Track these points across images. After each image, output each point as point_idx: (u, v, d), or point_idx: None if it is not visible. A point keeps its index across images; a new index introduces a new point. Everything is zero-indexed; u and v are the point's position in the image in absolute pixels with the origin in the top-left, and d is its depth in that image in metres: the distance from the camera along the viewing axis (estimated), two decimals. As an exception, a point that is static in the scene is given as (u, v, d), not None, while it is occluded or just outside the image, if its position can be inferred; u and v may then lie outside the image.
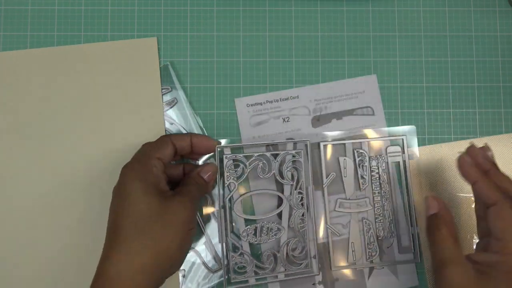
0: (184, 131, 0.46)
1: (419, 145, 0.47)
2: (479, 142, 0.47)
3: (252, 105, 0.47)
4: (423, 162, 0.46)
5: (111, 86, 0.46)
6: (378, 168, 0.46)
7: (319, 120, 0.47)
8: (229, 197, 0.44)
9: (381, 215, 0.45)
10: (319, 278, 0.45)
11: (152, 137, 0.42)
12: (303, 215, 0.44)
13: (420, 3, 0.48)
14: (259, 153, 0.44)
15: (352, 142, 0.46)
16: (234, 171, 0.44)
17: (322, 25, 0.48)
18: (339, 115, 0.47)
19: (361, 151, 0.46)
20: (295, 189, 0.44)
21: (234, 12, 0.48)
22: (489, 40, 0.48)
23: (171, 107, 0.46)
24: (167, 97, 0.46)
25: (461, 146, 0.46)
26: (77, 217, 0.44)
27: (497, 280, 0.35)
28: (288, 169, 0.44)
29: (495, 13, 0.48)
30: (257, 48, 0.47)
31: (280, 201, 0.45)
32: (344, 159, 0.46)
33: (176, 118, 0.46)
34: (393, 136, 0.46)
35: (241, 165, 0.44)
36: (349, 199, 0.45)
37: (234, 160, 0.44)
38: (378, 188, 0.46)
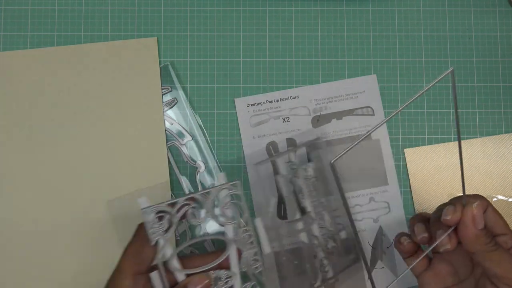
0: (184, 131, 0.46)
1: (419, 145, 0.47)
2: (479, 142, 0.47)
3: (252, 105, 0.47)
4: (414, 163, 0.46)
5: (111, 86, 0.46)
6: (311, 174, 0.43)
7: (319, 120, 0.47)
8: (161, 259, 0.36)
9: (323, 226, 0.44)
10: (319, 278, 0.45)
11: (152, 137, 0.42)
12: (255, 254, 0.37)
13: (420, 3, 0.48)
14: (187, 197, 0.36)
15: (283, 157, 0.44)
16: (158, 226, 0.36)
17: (322, 25, 0.48)
18: (339, 115, 0.47)
19: (292, 161, 0.43)
20: (240, 227, 0.37)
21: (234, 12, 0.48)
22: (489, 40, 0.48)
23: (171, 107, 0.46)
24: (167, 97, 0.46)
25: (455, 146, 0.46)
26: (76, 217, 0.44)
27: None
28: (227, 206, 0.37)
29: (495, 13, 0.48)
30: (257, 48, 0.47)
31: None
32: (280, 177, 0.44)
33: (176, 118, 0.46)
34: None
35: (167, 216, 0.36)
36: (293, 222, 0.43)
37: (157, 213, 0.36)
38: (314, 198, 0.43)
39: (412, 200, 0.46)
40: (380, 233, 0.46)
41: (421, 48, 0.48)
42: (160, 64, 0.47)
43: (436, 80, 0.29)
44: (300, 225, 0.44)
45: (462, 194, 0.35)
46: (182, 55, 0.47)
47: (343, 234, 0.45)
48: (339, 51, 0.47)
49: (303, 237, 0.45)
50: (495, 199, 0.46)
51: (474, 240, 0.34)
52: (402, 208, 0.46)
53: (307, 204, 0.43)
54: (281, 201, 0.45)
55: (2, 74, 0.45)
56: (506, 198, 0.46)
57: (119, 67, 0.46)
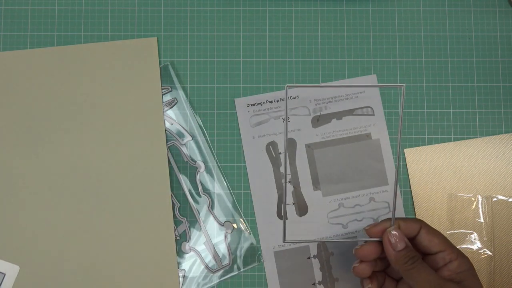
0: (184, 131, 0.46)
1: (419, 145, 0.47)
2: (479, 142, 0.47)
3: (252, 105, 0.47)
4: (414, 163, 0.46)
5: (111, 86, 0.46)
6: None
7: (319, 120, 0.47)
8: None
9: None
10: (319, 278, 0.45)
11: (152, 137, 0.42)
12: None
13: (420, 3, 0.48)
14: None
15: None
16: None
17: (322, 25, 0.48)
18: (339, 115, 0.47)
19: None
20: None
21: (234, 12, 0.48)
22: (489, 40, 0.48)
23: (171, 107, 0.46)
24: (167, 97, 0.46)
25: (455, 146, 0.46)
26: (76, 216, 0.44)
27: None
28: None
29: (495, 13, 0.48)
30: (257, 48, 0.47)
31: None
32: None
33: (176, 118, 0.46)
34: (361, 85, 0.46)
35: None
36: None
37: None
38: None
39: (412, 200, 0.46)
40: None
41: (421, 48, 0.48)
42: (160, 64, 0.47)
43: (384, 85, 0.36)
44: (300, 225, 0.44)
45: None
46: (182, 55, 0.47)
47: (342, 233, 0.45)
48: (339, 51, 0.47)
49: (303, 236, 0.45)
50: (495, 199, 0.46)
51: (394, 259, 0.38)
52: (402, 208, 0.46)
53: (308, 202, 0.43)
54: (281, 201, 0.45)
55: (2, 74, 0.45)
56: (506, 198, 0.46)
57: (119, 67, 0.46)
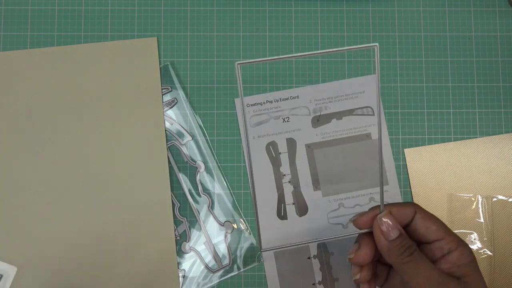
0: (184, 131, 0.46)
1: (419, 145, 0.47)
2: (479, 142, 0.47)
3: (252, 105, 0.47)
4: (414, 163, 0.46)
5: (111, 86, 0.46)
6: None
7: (319, 120, 0.47)
8: None
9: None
10: (319, 278, 0.45)
11: (152, 137, 0.42)
12: None
13: (420, 3, 0.48)
14: None
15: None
16: None
17: (322, 25, 0.48)
18: (339, 115, 0.47)
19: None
20: None
21: (234, 12, 0.48)
22: (489, 40, 0.48)
23: (171, 107, 0.46)
24: (167, 97, 0.46)
25: (455, 146, 0.46)
26: (76, 216, 0.44)
27: None
28: None
29: (495, 13, 0.48)
30: (257, 48, 0.47)
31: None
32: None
33: (176, 118, 0.46)
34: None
35: None
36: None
37: None
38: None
39: (412, 200, 0.46)
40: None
41: (421, 48, 0.48)
42: (160, 64, 0.47)
43: (357, 47, 0.31)
44: (300, 225, 0.44)
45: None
46: (182, 55, 0.47)
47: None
48: (339, 51, 0.47)
49: (304, 236, 0.45)
50: (495, 199, 0.46)
51: (386, 251, 0.33)
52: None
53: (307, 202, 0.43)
54: (281, 201, 0.45)
55: (2, 74, 0.45)
56: (506, 198, 0.46)
57: (119, 67, 0.46)
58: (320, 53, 0.31)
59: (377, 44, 0.32)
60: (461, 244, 0.33)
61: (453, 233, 0.33)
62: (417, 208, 0.34)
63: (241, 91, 0.33)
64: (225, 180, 0.46)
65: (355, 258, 0.34)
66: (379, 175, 0.34)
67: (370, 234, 0.35)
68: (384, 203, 0.35)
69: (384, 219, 0.33)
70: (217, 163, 0.46)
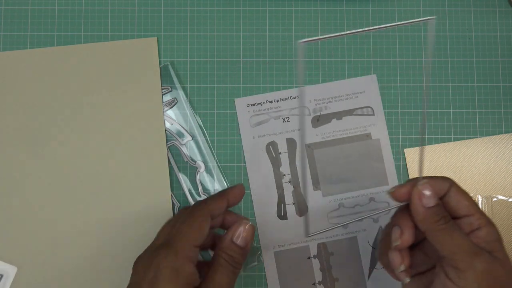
0: (184, 131, 0.46)
1: (419, 145, 0.47)
2: (479, 142, 0.47)
3: (252, 105, 0.47)
4: (414, 163, 0.46)
5: (111, 86, 0.46)
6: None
7: (319, 120, 0.47)
8: None
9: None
10: (319, 278, 0.45)
11: (152, 137, 0.42)
12: None
13: (420, 3, 0.48)
14: None
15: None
16: None
17: (322, 25, 0.48)
18: (339, 115, 0.47)
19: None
20: None
21: (234, 12, 0.48)
22: (489, 40, 0.48)
23: (171, 107, 0.46)
24: (167, 97, 0.46)
25: (455, 146, 0.46)
26: (75, 216, 0.44)
27: None
28: None
29: (495, 13, 0.48)
30: (257, 48, 0.47)
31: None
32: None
33: (176, 118, 0.46)
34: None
35: None
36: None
37: None
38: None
39: (412, 200, 0.46)
40: (380, 233, 0.46)
41: (421, 48, 0.48)
42: (160, 64, 0.47)
43: (413, 21, 0.30)
44: (300, 225, 0.44)
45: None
46: (182, 55, 0.47)
47: (342, 234, 0.45)
48: (339, 51, 0.47)
49: (304, 236, 0.45)
50: (495, 199, 0.46)
51: (422, 218, 0.34)
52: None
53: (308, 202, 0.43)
54: (281, 201, 0.45)
55: (2, 74, 0.45)
56: (506, 198, 0.46)
57: (119, 67, 0.46)
58: (374, 29, 0.30)
59: (435, 17, 0.31)
60: (490, 222, 0.34)
61: (483, 211, 0.34)
62: (452, 182, 0.35)
63: (303, 73, 0.31)
64: (225, 180, 0.46)
65: (401, 244, 0.35)
66: (423, 117, 0.33)
67: (407, 215, 0.35)
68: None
69: (423, 188, 0.34)
70: (217, 163, 0.46)
